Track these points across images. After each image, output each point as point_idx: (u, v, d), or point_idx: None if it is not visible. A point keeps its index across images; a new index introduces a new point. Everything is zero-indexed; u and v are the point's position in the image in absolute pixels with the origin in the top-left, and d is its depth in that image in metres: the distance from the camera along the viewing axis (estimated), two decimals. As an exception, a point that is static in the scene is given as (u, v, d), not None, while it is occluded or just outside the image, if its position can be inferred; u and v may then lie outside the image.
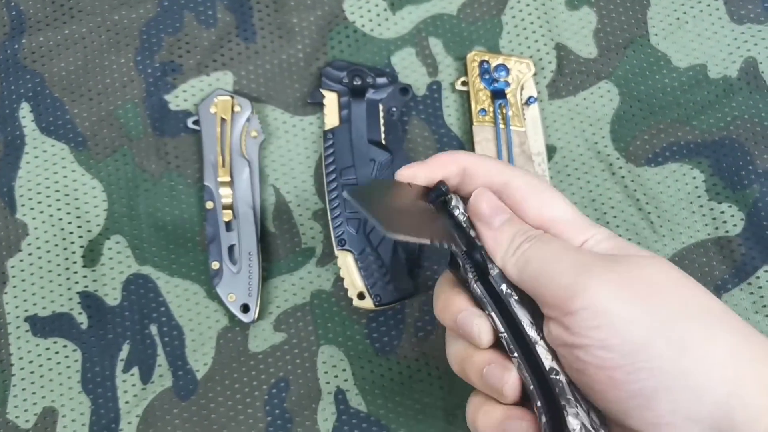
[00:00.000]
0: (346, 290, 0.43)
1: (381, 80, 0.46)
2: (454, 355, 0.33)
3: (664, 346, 0.26)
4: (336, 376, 0.43)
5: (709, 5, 0.48)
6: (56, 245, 0.44)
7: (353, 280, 0.43)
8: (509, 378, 0.30)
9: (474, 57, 0.46)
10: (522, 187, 0.32)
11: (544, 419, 0.29)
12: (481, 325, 0.31)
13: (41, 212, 0.45)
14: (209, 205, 0.44)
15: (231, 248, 0.44)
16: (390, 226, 0.28)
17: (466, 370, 0.32)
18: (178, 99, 0.46)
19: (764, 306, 0.44)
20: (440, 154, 0.33)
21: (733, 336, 0.27)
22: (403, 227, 0.29)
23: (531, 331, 0.30)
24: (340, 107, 0.45)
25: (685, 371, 0.26)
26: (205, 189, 0.44)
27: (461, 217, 0.32)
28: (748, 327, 0.28)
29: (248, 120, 0.45)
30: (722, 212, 0.45)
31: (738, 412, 0.26)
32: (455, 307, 0.32)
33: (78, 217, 0.45)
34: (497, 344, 0.31)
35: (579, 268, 0.28)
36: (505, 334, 0.31)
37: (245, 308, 0.43)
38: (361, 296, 0.43)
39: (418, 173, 0.33)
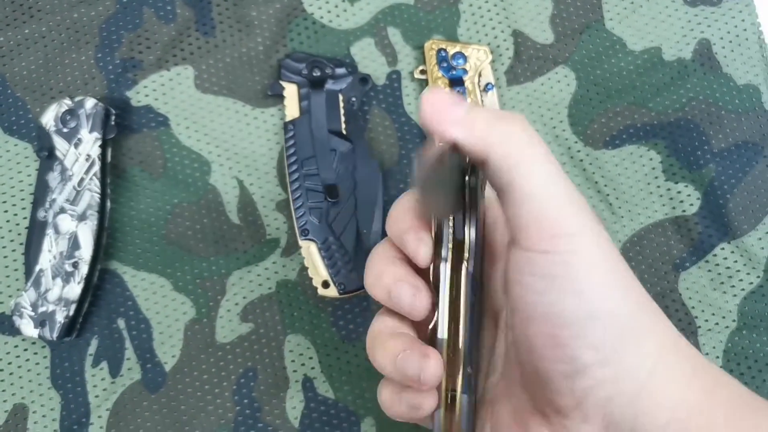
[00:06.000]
0: (310, 279, 0.44)
1: (340, 71, 0.46)
2: (374, 334, 0.31)
3: (616, 323, 0.25)
4: (303, 365, 0.44)
5: (663, -12, 0.49)
6: (21, 244, 0.44)
7: (317, 269, 0.44)
8: (428, 366, 0.28)
9: (432, 45, 0.47)
10: None
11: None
12: (418, 293, 0.29)
13: (5, 211, 0.45)
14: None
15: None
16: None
17: (377, 352, 0.30)
18: (140, 95, 0.47)
19: (722, 283, 0.45)
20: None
21: (660, 327, 0.27)
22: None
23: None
24: (300, 98, 0.46)
25: (622, 355, 0.25)
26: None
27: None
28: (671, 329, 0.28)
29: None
30: (679, 192, 0.46)
31: (645, 403, 0.26)
32: (393, 274, 0.29)
33: (43, 215, 0.45)
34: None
35: (577, 207, 0.26)
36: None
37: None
38: (325, 285, 0.43)
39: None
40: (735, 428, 0.25)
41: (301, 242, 0.44)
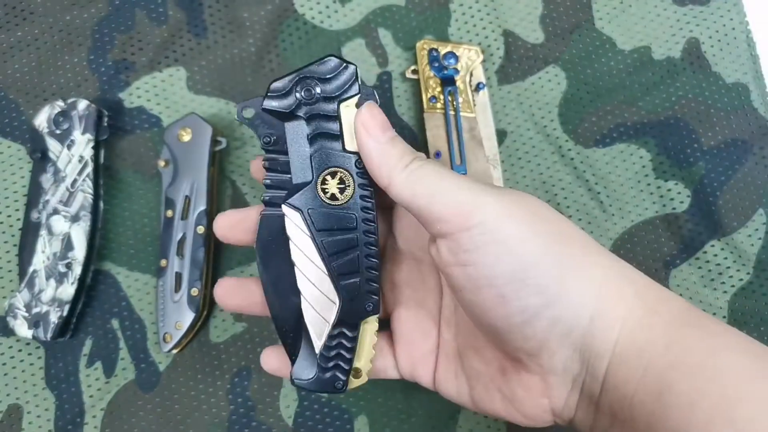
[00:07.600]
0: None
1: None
2: None
3: (550, 265, 0.28)
4: (296, 363, 0.44)
5: (652, -12, 0.49)
6: (15, 245, 0.45)
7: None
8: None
9: (423, 45, 0.47)
10: None
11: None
12: None
13: (-1, 212, 0.45)
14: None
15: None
16: None
17: None
18: (132, 96, 0.47)
19: (712, 280, 0.46)
20: None
21: (602, 258, 0.30)
22: None
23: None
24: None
25: (567, 289, 0.28)
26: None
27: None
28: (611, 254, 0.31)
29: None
30: (669, 190, 0.47)
31: (597, 324, 0.28)
32: None
33: (36, 217, 0.45)
34: None
35: (474, 189, 0.29)
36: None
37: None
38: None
39: None
40: (670, 339, 0.28)
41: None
